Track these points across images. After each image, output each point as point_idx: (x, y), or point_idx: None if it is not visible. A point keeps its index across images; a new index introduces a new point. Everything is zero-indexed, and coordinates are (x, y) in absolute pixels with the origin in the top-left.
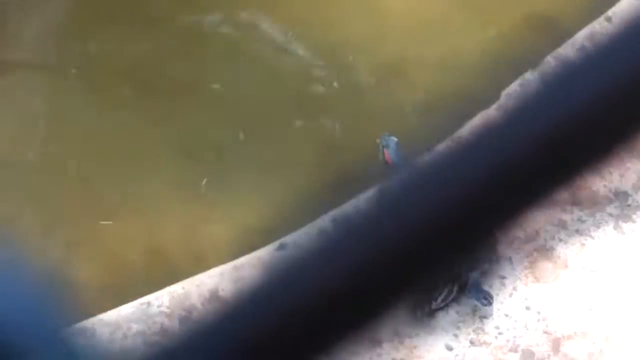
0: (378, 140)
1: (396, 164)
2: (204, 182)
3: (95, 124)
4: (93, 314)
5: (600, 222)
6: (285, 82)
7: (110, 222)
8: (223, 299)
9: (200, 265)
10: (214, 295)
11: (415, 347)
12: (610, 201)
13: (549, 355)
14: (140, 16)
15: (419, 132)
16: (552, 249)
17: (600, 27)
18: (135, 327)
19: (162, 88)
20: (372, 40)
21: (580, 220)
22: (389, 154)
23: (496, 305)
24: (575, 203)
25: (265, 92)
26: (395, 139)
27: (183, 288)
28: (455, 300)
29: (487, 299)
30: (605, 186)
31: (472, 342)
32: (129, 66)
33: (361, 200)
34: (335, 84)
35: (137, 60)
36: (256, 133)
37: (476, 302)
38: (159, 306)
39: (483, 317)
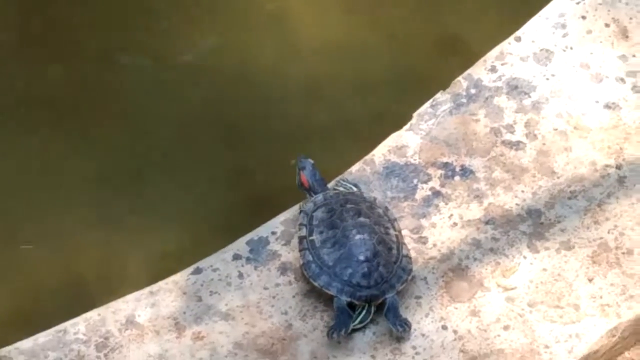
0: (293, 162)
1: (312, 186)
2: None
3: (7, 149)
4: (8, 343)
5: (514, 241)
6: (197, 106)
7: (31, 246)
8: (139, 325)
9: (116, 291)
10: (130, 321)
11: None
12: (523, 219)
13: None
14: (57, 40)
15: (331, 154)
16: (466, 268)
17: (510, 46)
18: (51, 355)
19: (77, 114)
20: (283, 62)
21: (494, 238)
22: (305, 175)
23: (413, 325)
24: (489, 222)
25: (178, 118)
26: (312, 161)
27: (99, 314)
28: (372, 321)
29: (404, 327)
30: (518, 204)
31: None
32: (43, 92)
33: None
34: (247, 107)
35: (52, 85)
36: (171, 159)
37: (394, 330)
38: (75, 333)
39: (400, 338)
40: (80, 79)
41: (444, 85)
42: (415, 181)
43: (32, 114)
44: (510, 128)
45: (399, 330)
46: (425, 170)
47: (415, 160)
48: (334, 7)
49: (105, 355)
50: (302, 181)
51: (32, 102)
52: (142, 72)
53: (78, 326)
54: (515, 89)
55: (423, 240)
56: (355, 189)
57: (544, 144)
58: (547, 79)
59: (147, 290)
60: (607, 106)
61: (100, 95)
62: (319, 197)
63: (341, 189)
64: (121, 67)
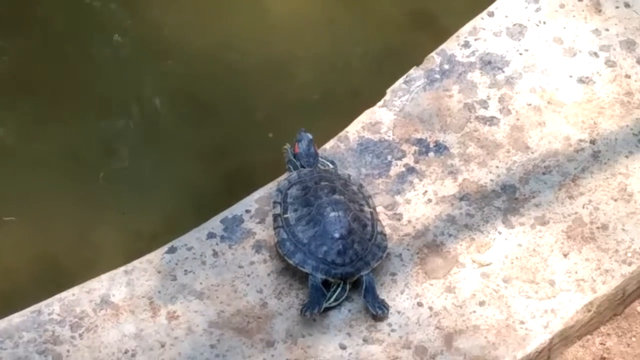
0: (271, 135)
1: (302, 159)
2: (100, 175)
3: None
4: None
5: (489, 216)
6: (171, 83)
7: (13, 218)
8: (114, 304)
9: (90, 271)
10: (104, 301)
11: (308, 346)
12: (497, 195)
13: (441, 351)
14: (25, 17)
15: (309, 131)
16: (441, 244)
17: (483, 22)
18: (26, 335)
19: (47, 90)
20: (257, 41)
21: (468, 214)
22: (299, 148)
23: (388, 302)
24: (463, 198)
25: (152, 95)
26: (310, 136)
27: (73, 295)
28: (348, 298)
29: (383, 309)
30: (492, 180)
31: (365, 340)
32: (13, 67)
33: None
34: (223, 88)
35: (20, 61)
36: (144, 137)
37: (372, 312)
38: (49, 314)
39: (378, 319)
40: (53, 56)
41: (417, 61)
42: (389, 158)
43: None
44: (484, 103)
45: (378, 313)
46: (399, 146)
47: (389, 136)
48: None
49: (80, 335)
50: (294, 152)
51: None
52: (114, 49)
53: (52, 306)
54: (488, 64)
55: (398, 217)
56: (332, 165)
57: (517, 119)
58: (521, 53)
59: (121, 269)
60: (581, 80)
61: (71, 71)
62: (293, 174)
63: (320, 166)
64: (93, 42)
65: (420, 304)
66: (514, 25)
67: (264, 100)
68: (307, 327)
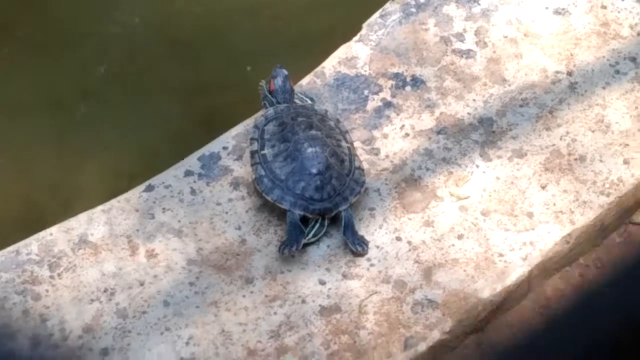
0: (249, 68)
1: (278, 95)
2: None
3: None
4: None
5: (466, 150)
6: (146, 23)
7: None
8: (93, 244)
9: (68, 210)
10: (83, 240)
11: (288, 283)
12: (475, 128)
13: (421, 285)
14: None
15: (285, 67)
16: (419, 178)
17: None
18: (4, 275)
19: (25, 37)
20: None
21: (446, 148)
22: (275, 84)
23: (367, 237)
24: (440, 132)
25: (127, 35)
26: (286, 72)
27: (51, 234)
28: (326, 234)
29: (362, 246)
30: (469, 113)
31: (344, 275)
32: None
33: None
34: (199, 25)
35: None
36: (121, 76)
37: (352, 249)
38: (27, 254)
39: (358, 255)
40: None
41: None
42: (366, 92)
43: None
44: (460, 36)
45: (357, 249)
46: (375, 81)
47: (365, 71)
48: None
49: (59, 275)
50: (270, 89)
51: None
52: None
53: (30, 246)
54: None
55: (375, 152)
56: (309, 101)
57: (494, 51)
58: None
59: (99, 208)
60: (557, 12)
61: (44, 12)
62: (270, 110)
63: (297, 102)
64: None
65: (399, 239)
66: None
67: (240, 37)
68: (286, 263)
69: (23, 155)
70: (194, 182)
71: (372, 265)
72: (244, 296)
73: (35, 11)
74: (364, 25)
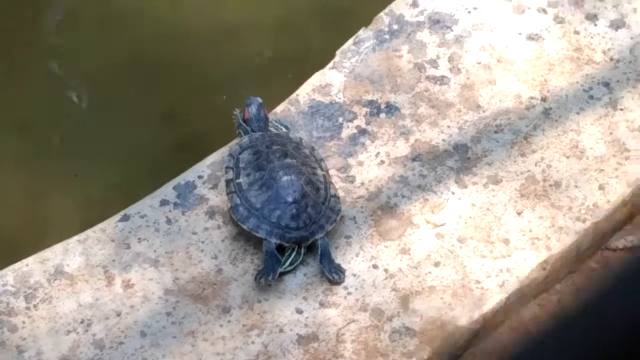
0: (225, 97)
1: (253, 124)
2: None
3: None
4: None
5: (442, 177)
6: (120, 50)
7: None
8: (69, 275)
9: (44, 242)
10: (59, 271)
11: (265, 312)
12: (450, 155)
13: (398, 313)
14: None
15: (256, 94)
16: (395, 206)
17: None
18: None
19: None
20: (207, 3)
21: (422, 175)
22: (249, 113)
23: (344, 265)
24: (416, 159)
25: (100, 61)
26: (260, 100)
27: (27, 265)
28: (303, 263)
29: (339, 274)
30: (444, 140)
31: (321, 304)
32: None
33: None
34: (172, 51)
35: None
36: (94, 104)
37: (329, 278)
38: (3, 285)
39: (335, 284)
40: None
41: (366, 22)
42: (340, 120)
43: None
44: (434, 63)
45: (334, 278)
46: (350, 108)
47: (340, 99)
48: None
49: (35, 306)
50: (244, 117)
51: None
52: (65, 13)
53: (6, 278)
54: (437, 23)
55: (351, 180)
56: (285, 129)
57: (468, 78)
58: (469, 12)
59: (75, 239)
60: (531, 38)
61: (17, 34)
62: (245, 139)
63: (273, 130)
64: (42, 4)
65: (375, 267)
66: None
67: (214, 64)
68: (263, 292)
69: None
70: (170, 211)
71: (349, 293)
72: (221, 326)
73: (4, 34)
74: (338, 52)
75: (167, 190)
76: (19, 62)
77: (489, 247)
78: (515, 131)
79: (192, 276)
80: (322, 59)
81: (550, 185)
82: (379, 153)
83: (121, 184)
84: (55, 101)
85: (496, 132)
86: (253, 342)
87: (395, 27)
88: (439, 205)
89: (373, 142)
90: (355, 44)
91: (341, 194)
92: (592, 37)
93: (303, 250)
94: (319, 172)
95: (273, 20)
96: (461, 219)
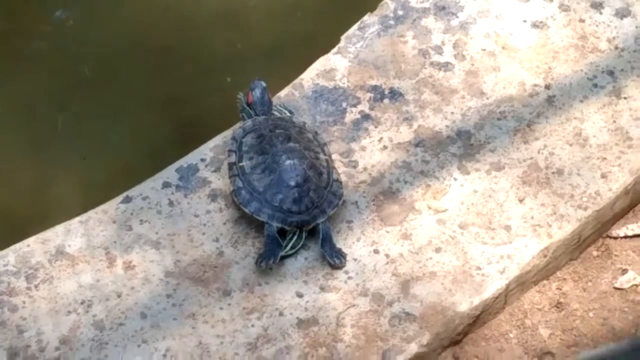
0: (229, 79)
1: (256, 107)
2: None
3: None
4: None
5: (444, 163)
6: (123, 34)
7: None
8: (70, 255)
9: (46, 222)
10: (60, 252)
11: (265, 295)
12: (453, 141)
13: (398, 298)
14: None
15: (260, 78)
16: (397, 191)
17: None
18: None
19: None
20: None
21: (424, 161)
22: (253, 96)
23: (345, 250)
24: (419, 144)
25: (104, 45)
26: (264, 84)
27: (28, 245)
28: (304, 246)
29: (340, 258)
30: (447, 126)
31: (322, 288)
32: None
33: None
34: (176, 35)
35: None
36: (97, 87)
37: (330, 262)
38: (4, 265)
39: (336, 268)
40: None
41: (371, 7)
42: (344, 105)
43: None
44: (438, 49)
45: (335, 262)
46: (354, 93)
47: (344, 83)
48: None
49: (36, 286)
50: (248, 101)
51: None
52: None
53: (7, 257)
54: (442, 9)
55: (353, 164)
56: (288, 113)
57: (472, 64)
58: None
59: (76, 220)
60: (535, 25)
61: (22, 20)
62: (248, 122)
63: (276, 113)
64: None
65: (376, 251)
66: None
67: (218, 48)
68: (264, 275)
69: None
70: (172, 193)
71: (349, 278)
72: (221, 308)
73: (9, 20)
74: (342, 37)
75: (170, 173)
76: (24, 48)
77: (490, 234)
78: (519, 118)
79: (193, 258)
80: (326, 43)
81: (553, 173)
82: (381, 138)
83: (124, 166)
84: (58, 85)
85: (499, 119)
86: (253, 325)
87: (400, 12)
88: (440, 191)
89: (376, 127)
90: (360, 29)
91: (343, 178)
92: (597, 25)
93: (304, 234)
94: (322, 156)
95: (278, 5)
96: (463, 205)
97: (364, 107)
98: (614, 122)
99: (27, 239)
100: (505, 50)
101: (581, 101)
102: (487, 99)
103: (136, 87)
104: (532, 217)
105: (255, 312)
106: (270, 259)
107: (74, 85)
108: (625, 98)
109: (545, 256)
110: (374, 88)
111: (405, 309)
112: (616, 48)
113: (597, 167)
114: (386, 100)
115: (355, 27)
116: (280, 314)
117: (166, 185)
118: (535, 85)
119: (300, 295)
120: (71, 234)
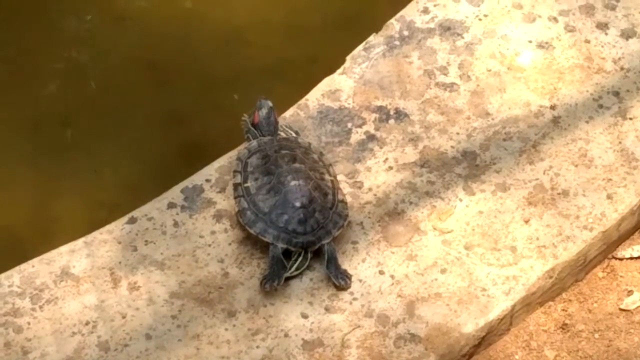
0: (236, 96)
1: (262, 127)
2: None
3: None
4: None
5: (450, 183)
6: (129, 53)
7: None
8: (75, 276)
9: (50, 242)
10: (65, 272)
11: (270, 316)
12: (458, 162)
13: (404, 319)
14: None
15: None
16: (402, 212)
17: None
18: None
19: (3, 56)
20: (215, 6)
21: (429, 182)
22: (259, 116)
23: (350, 271)
24: (424, 165)
25: (109, 64)
26: (271, 104)
27: (33, 266)
28: (309, 267)
29: (345, 279)
30: (453, 147)
31: (327, 309)
32: None
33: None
34: (181, 54)
35: None
36: (102, 106)
37: (335, 283)
38: (9, 286)
39: (341, 289)
40: (9, 23)
41: (376, 27)
42: (349, 125)
43: None
44: (444, 70)
45: (340, 283)
46: (359, 114)
47: (349, 104)
48: None
49: (41, 307)
50: (254, 121)
51: None
52: (74, 16)
53: (12, 278)
54: (448, 30)
55: (358, 185)
56: (294, 134)
57: (478, 85)
58: (480, 19)
59: (81, 240)
60: (541, 46)
61: (28, 36)
62: (253, 143)
63: (282, 134)
64: (51, 7)
65: (381, 272)
66: None
67: (223, 67)
68: (269, 296)
69: (2, 185)
70: (177, 214)
71: (354, 299)
72: (226, 329)
73: (15, 34)
74: (348, 57)
75: (175, 193)
76: (30, 63)
77: (496, 255)
78: (524, 139)
79: (197, 279)
80: (331, 63)
81: (558, 194)
82: (387, 159)
83: (129, 186)
84: (65, 102)
85: (505, 140)
86: (258, 346)
87: (406, 33)
88: (446, 212)
89: (381, 147)
90: (365, 49)
91: (348, 199)
92: (602, 46)
93: (309, 255)
94: (327, 177)
95: (283, 25)
96: (468, 225)
97: (369, 127)
98: (620, 142)
99: (32, 259)
100: (511, 71)
101: (587, 122)
102: (493, 119)
103: (139, 105)
104: (537, 238)
105: (260, 333)
106: (275, 280)
107: (80, 103)
108: (630, 119)
109: (550, 277)
110: (379, 108)
111: (410, 330)
112: (622, 69)
113: (603, 188)
114: (391, 121)
115: (360, 47)
116: (286, 335)
117: (171, 205)
118: (541, 106)
119: (305, 317)
120: (76, 255)
